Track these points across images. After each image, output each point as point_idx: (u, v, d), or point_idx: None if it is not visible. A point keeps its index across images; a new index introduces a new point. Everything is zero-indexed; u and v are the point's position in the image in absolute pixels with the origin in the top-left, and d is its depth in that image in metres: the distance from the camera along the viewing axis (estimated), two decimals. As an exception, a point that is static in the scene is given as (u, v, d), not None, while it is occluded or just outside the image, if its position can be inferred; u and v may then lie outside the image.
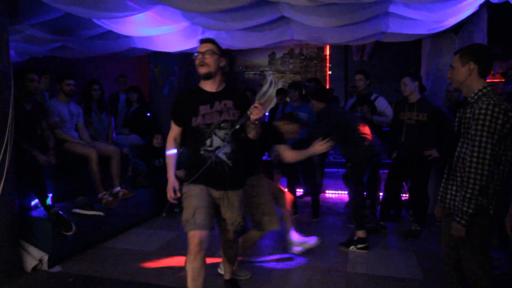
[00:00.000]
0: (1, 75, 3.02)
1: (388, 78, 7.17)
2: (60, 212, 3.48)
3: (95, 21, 3.99)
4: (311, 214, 4.74)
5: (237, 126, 2.23)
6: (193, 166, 2.34)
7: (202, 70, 2.30)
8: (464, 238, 1.98)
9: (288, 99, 5.22)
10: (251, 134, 2.35)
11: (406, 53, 7.26)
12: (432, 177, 4.28)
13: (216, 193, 2.39)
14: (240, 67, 8.62)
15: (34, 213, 3.53)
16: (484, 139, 1.87)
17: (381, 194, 4.62)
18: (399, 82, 3.92)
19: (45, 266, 3.33)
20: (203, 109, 2.31)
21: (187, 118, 2.33)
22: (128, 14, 3.71)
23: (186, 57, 5.90)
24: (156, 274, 3.23)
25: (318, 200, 4.84)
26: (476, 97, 1.98)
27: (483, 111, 1.87)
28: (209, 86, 2.37)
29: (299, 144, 3.84)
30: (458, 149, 2.06)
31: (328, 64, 8.51)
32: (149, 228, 4.46)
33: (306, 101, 4.65)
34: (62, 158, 3.86)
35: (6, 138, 3.02)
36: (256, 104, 2.18)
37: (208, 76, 2.32)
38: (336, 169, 6.83)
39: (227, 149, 2.34)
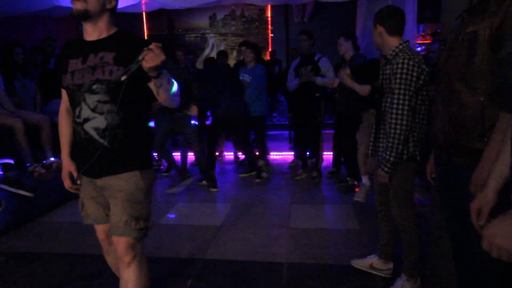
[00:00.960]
0: None
1: (329, 39, 7.22)
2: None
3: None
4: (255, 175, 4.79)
5: (123, 78, 1.51)
6: (71, 145, 1.80)
7: (76, 6, 1.58)
8: (389, 184, 2.13)
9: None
10: (160, 96, 1.64)
11: (344, 15, 7.30)
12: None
13: (98, 181, 1.74)
14: (180, 30, 8.15)
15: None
16: (402, 91, 1.97)
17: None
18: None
19: (-28, 247, 3.04)
20: (73, 64, 1.66)
21: (60, 77, 1.72)
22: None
23: (125, 17, 5.43)
24: (98, 245, 3.08)
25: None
26: (393, 53, 2.08)
27: (400, 65, 1.97)
28: (89, 34, 1.67)
29: None
30: (383, 104, 2.14)
31: (269, 27, 8.35)
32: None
33: (260, 63, 4.60)
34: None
35: None
36: (150, 46, 1.48)
37: (83, 16, 1.60)
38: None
39: (100, 123, 1.64)
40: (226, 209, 3.91)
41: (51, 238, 3.27)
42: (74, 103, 1.68)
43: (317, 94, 4.45)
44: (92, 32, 1.66)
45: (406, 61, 1.97)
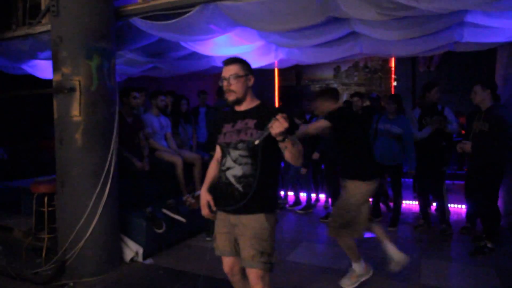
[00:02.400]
0: (110, 93, 3.34)
1: (457, 89, 6.63)
2: (154, 211, 3.72)
3: (182, 43, 4.24)
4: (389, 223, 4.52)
5: (256, 142, 1.80)
6: (215, 187, 2.14)
7: (230, 98, 2.02)
8: None
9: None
10: (286, 155, 1.87)
11: (477, 62, 6.65)
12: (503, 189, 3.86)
13: (232, 218, 2.03)
14: (307, 81, 8.57)
15: (132, 212, 3.79)
16: None
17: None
18: (470, 92, 3.68)
19: (140, 258, 3.56)
20: (226, 127, 2.06)
21: (216, 137, 2.14)
22: (211, 37, 3.89)
23: (260, 72, 6.02)
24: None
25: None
26: None
27: None
28: (238, 106, 2.08)
29: None
30: None
31: (393, 76, 8.11)
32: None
33: (403, 114, 4.52)
34: (154, 164, 4.12)
35: (112, 147, 3.31)
36: (277, 116, 1.71)
37: (237, 102, 2.03)
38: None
39: (237, 172, 1.97)
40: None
41: (196, 259, 3.62)
42: (223, 156, 2.07)
43: (443, 143, 4.11)
44: (241, 105, 2.07)
45: None
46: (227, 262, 2.13)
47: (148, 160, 4.00)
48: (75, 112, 3.16)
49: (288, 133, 1.76)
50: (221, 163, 2.07)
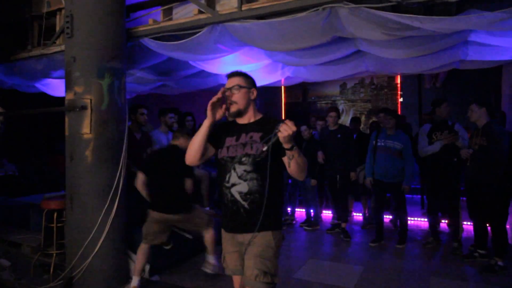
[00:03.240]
0: (120, 111, 3.41)
1: (463, 105, 6.63)
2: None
3: (191, 62, 4.34)
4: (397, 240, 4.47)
5: (265, 148, 1.77)
6: (220, 204, 2.07)
7: (232, 109, 1.96)
8: None
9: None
10: (291, 166, 1.81)
11: (483, 79, 6.66)
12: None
13: (238, 237, 1.99)
14: (313, 98, 8.63)
15: (139, 228, 3.79)
16: None
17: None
18: None
19: (146, 275, 3.55)
20: (228, 141, 1.98)
21: (216, 150, 2.04)
22: (219, 56, 3.97)
23: (266, 90, 6.09)
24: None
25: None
26: None
27: None
28: (241, 119, 2.03)
29: None
30: None
31: (399, 92, 8.14)
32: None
33: (404, 128, 4.51)
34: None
35: (121, 163, 3.35)
36: (285, 121, 1.69)
37: (238, 114, 1.98)
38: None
39: (243, 188, 1.91)
40: (359, 271, 3.72)
41: (203, 277, 3.60)
42: (225, 171, 1.96)
43: (455, 159, 4.09)
44: (243, 118, 2.01)
45: None
46: (237, 280, 2.10)
47: (156, 177, 4.03)
48: (86, 129, 3.23)
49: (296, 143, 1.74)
50: (223, 179, 1.97)
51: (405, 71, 4.72)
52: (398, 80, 8.19)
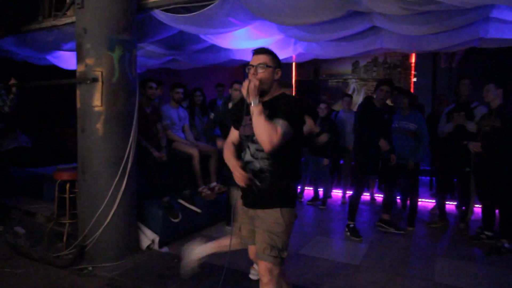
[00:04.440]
0: (131, 84, 3.40)
1: (480, 86, 6.44)
2: (170, 201, 3.78)
3: (202, 36, 4.26)
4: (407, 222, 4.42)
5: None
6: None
7: (252, 86, 1.89)
8: None
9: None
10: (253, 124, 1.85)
11: (502, 60, 6.43)
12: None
13: (250, 211, 2.05)
14: (324, 76, 8.47)
15: (149, 201, 3.86)
16: None
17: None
18: None
19: (156, 246, 3.64)
20: (246, 119, 1.97)
21: (237, 127, 2.09)
22: (230, 30, 3.89)
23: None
24: (247, 265, 3.31)
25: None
26: None
27: None
28: (261, 97, 1.95)
29: None
30: None
31: (413, 72, 7.94)
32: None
33: (416, 109, 4.39)
34: (171, 155, 4.18)
35: (131, 136, 3.37)
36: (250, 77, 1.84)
37: (262, 94, 1.92)
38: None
39: (255, 166, 1.95)
40: (364, 249, 3.75)
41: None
42: (242, 148, 2.03)
43: (464, 142, 3.99)
44: (264, 97, 1.94)
45: None
46: (251, 250, 2.17)
47: (166, 151, 4.06)
48: (97, 102, 3.23)
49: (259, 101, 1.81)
50: (241, 156, 2.03)
51: (421, 49, 4.56)
52: (413, 59, 7.96)
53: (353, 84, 8.28)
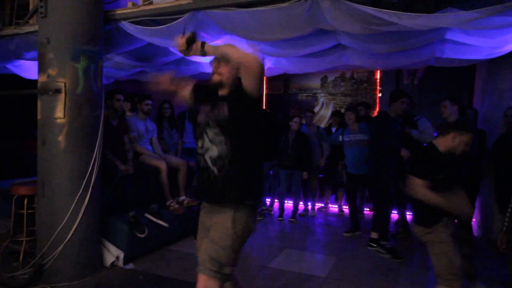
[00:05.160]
0: (96, 96, 3.32)
1: (439, 102, 6.82)
2: (137, 215, 3.68)
3: (170, 49, 4.25)
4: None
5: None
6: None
7: (214, 78, 1.94)
8: None
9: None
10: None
11: (458, 77, 6.86)
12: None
13: (207, 221, 1.93)
14: (294, 90, 8.66)
15: (114, 215, 3.74)
16: None
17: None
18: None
19: (120, 263, 3.52)
20: (203, 108, 1.95)
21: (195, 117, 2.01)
22: (199, 43, 3.90)
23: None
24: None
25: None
26: None
27: None
28: (221, 89, 1.97)
29: None
30: None
31: (378, 87, 8.30)
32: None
33: (366, 122, 4.64)
34: (138, 168, 4.09)
35: (96, 149, 3.28)
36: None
37: (219, 86, 1.93)
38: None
39: (213, 152, 1.84)
40: (332, 260, 3.81)
41: (177, 265, 3.60)
42: (198, 137, 1.94)
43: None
44: (223, 90, 1.96)
45: None
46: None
47: (132, 164, 3.97)
48: (60, 114, 3.13)
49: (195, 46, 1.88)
50: (197, 146, 1.93)
51: (384, 66, 4.80)
52: (378, 76, 8.32)
53: (321, 98, 8.51)
